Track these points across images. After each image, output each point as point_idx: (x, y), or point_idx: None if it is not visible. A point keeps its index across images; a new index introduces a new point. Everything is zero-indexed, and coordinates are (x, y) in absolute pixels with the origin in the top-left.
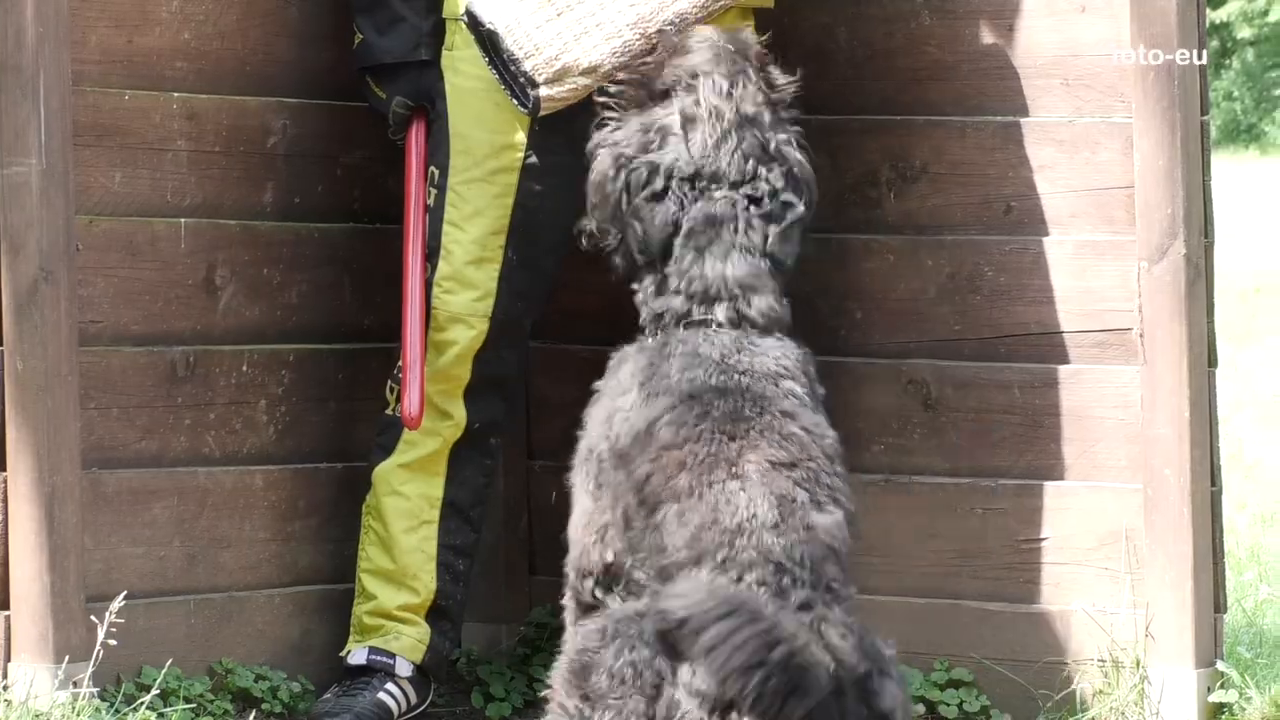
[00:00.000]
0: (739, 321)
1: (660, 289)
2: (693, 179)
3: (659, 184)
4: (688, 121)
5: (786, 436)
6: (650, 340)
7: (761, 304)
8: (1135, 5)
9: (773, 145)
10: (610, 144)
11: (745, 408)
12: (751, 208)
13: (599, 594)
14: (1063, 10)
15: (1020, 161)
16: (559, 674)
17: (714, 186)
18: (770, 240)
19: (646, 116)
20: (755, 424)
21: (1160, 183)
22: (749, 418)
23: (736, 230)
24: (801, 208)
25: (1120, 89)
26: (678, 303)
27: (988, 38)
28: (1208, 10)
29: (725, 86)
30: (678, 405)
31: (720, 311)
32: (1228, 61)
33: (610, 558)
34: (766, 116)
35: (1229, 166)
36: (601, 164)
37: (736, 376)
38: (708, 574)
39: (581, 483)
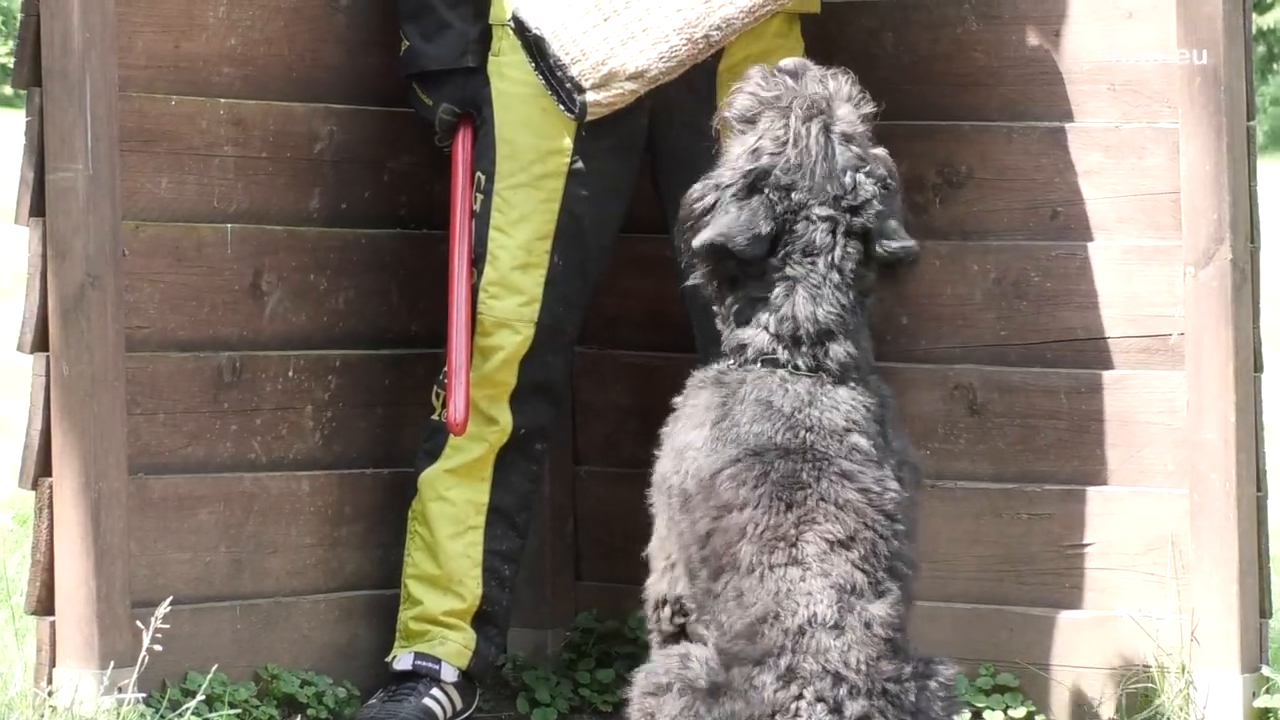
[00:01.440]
0: (817, 368)
1: (743, 317)
2: (788, 190)
3: (760, 192)
4: (779, 145)
5: (842, 505)
6: (730, 374)
7: (840, 352)
8: (1181, 9)
9: (866, 157)
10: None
11: (804, 472)
12: (850, 219)
13: (678, 622)
14: (1109, 15)
15: (1066, 167)
16: (634, 706)
17: (812, 203)
18: (869, 266)
19: (739, 144)
20: (812, 491)
21: (1206, 188)
22: (806, 484)
23: (832, 264)
24: (913, 244)
25: (1167, 94)
26: (763, 340)
27: (1034, 43)
28: (1254, 16)
29: (821, 104)
30: (741, 459)
31: (801, 357)
32: (1275, 66)
33: (679, 592)
34: (859, 131)
35: (1276, 172)
36: (695, 191)
37: (803, 434)
38: (770, 681)
39: (661, 508)
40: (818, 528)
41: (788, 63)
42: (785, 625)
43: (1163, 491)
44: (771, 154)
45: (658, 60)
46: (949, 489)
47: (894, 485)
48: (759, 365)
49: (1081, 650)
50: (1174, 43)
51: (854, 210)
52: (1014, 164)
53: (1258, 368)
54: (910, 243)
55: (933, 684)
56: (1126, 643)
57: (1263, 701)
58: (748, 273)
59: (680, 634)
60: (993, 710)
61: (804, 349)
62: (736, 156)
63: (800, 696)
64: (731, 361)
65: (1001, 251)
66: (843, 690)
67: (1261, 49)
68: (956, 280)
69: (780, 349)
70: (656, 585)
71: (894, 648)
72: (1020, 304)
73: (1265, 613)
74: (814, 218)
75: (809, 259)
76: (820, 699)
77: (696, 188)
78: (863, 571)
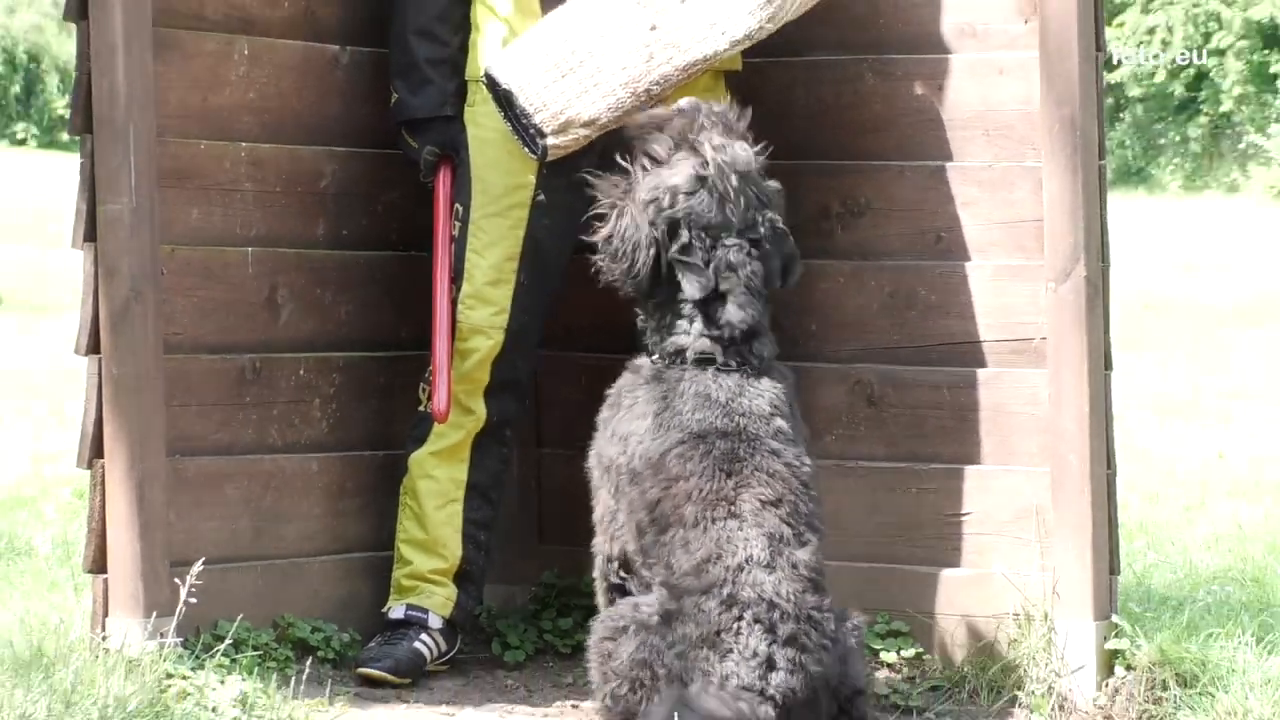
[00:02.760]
0: (743, 364)
1: (674, 326)
2: (707, 228)
3: (684, 235)
4: (699, 180)
5: (772, 474)
6: (667, 372)
7: (761, 349)
8: (1044, 68)
9: (766, 196)
10: (630, 202)
11: (740, 449)
12: (753, 250)
13: (622, 575)
14: (983, 72)
15: (948, 199)
16: (593, 649)
17: (725, 235)
18: (770, 279)
19: (656, 178)
20: (748, 463)
21: (1065, 216)
22: (743, 458)
23: (750, 275)
24: (795, 251)
25: (1031, 138)
26: (704, 343)
27: (921, 95)
28: (1105, 73)
29: (722, 145)
30: (686, 441)
31: (732, 356)
32: (1121, 115)
33: (627, 550)
34: (756, 171)
35: (1122, 203)
36: (625, 219)
37: (737, 419)
38: (715, 605)
39: (601, 482)
40: (752, 490)
41: (683, 102)
42: (727, 563)
43: (1028, 470)
44: (687, 193)
45: (606, 110)
46: (851, 468)
47: (808, 460)
48: (692, 364)
49: (961, 602)
50: (1038, 96)
51: (755, 241)
52: (905, 196)
53: (1107, 366)
54: (796, 262)
55: (848, 624)
56: (999, 595)
57: (1112, 644)
58: (678, 290)
59: (622, 587)
60: (888, 651)
61: (732, 349)
62: (652, 192)
63: (740, 618)
64: (665, 361)
65: (894, 270)
66: (775, 614)
67: (1110, 100)
68: (857, 294)
69: (715, 348)
70: (603, 545)
71: (815, 586)
72: (910, 313)
73: (1114, 570)
74: (729, 243)
75: (730, 273)
76: (757, 620)
77: (608, 229)
78: (788, 525)
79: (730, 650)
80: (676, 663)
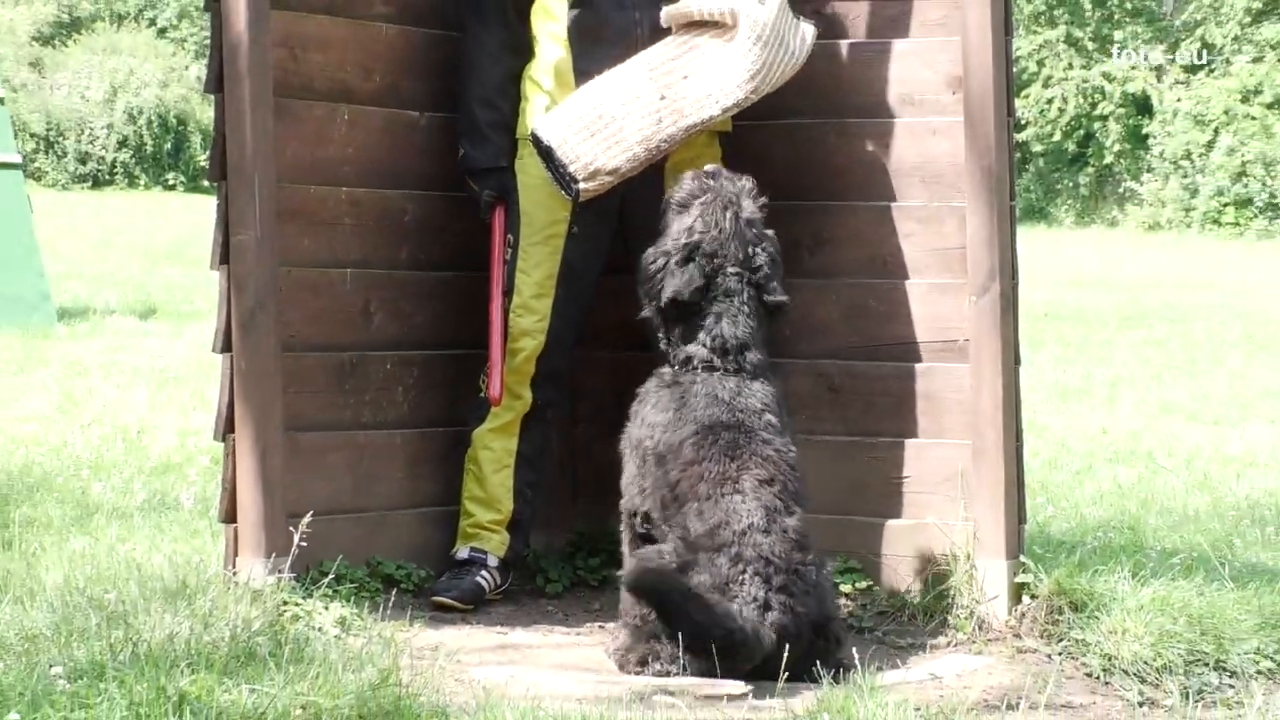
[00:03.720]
0: (739, 370)
1: (687, 339)
2: (712, 256)
3: (694, 260)
4: (709, 224)
5: (766, 459)
6: (682, 377)
7: (754, 357)
8: (968, 130)
9: (762, 238)
10: (657, 246)
11: (741, 439)
12: (749, 277)
13: (644, 528)
14: (921, 133)
15: (893, 232)
16: (625, 591)
17: (728, 264)
18: (763, 304)
19: (679, 221)
20: (746, 450)
21: (983, 245)
22: (743, 445)
23: (744, 301)
24: (785, 299)
25: (958, 184)
26: (703, 352)
27: (871, 150)
28: (1014, 133)
29: (732, 199)
30: (699, 432)
31: (729, 363)
32: (1027, 166)
33: (649, 510)
34: (757, 217)
35: (1027, 235)
36: (649, 255)
37: (737, 414)
38: (725, 561)
39: (630, 457)
40: (752, 472)
41: (709, 168)
42: (733, 529)
43: (955, 442)
44: (701, 231)
45: (626, 162)
46: (817, 441)
47: (793, 448)
48: (701, 370)
49: (903, 545)
50: (963, 151)
51: (753, 269)
52: (859, 230)
53: (1017, 361)
54: (784, 298)
55: (825, 571)
56: (932, 541)
57: (1020, 578)
58: (688, 310)
59: (644, 536)
60: (845, 584)
61: (730, 357)
62: (679, 231)
63: (744, 572)
64: (680, 368)
65: (851, 287)
66: (770, 569)
67: (1019, 154)
68: (822, 306)
69: (716, 358)
70: (629, 503)
71: (801, 546)
72: (863, 321)
73: (1022, 520)
74: (729, 273)
75: (728, 299)
76: (757, 574)
77: (650, 253)
78: (780, 500)
79: (736, 596)
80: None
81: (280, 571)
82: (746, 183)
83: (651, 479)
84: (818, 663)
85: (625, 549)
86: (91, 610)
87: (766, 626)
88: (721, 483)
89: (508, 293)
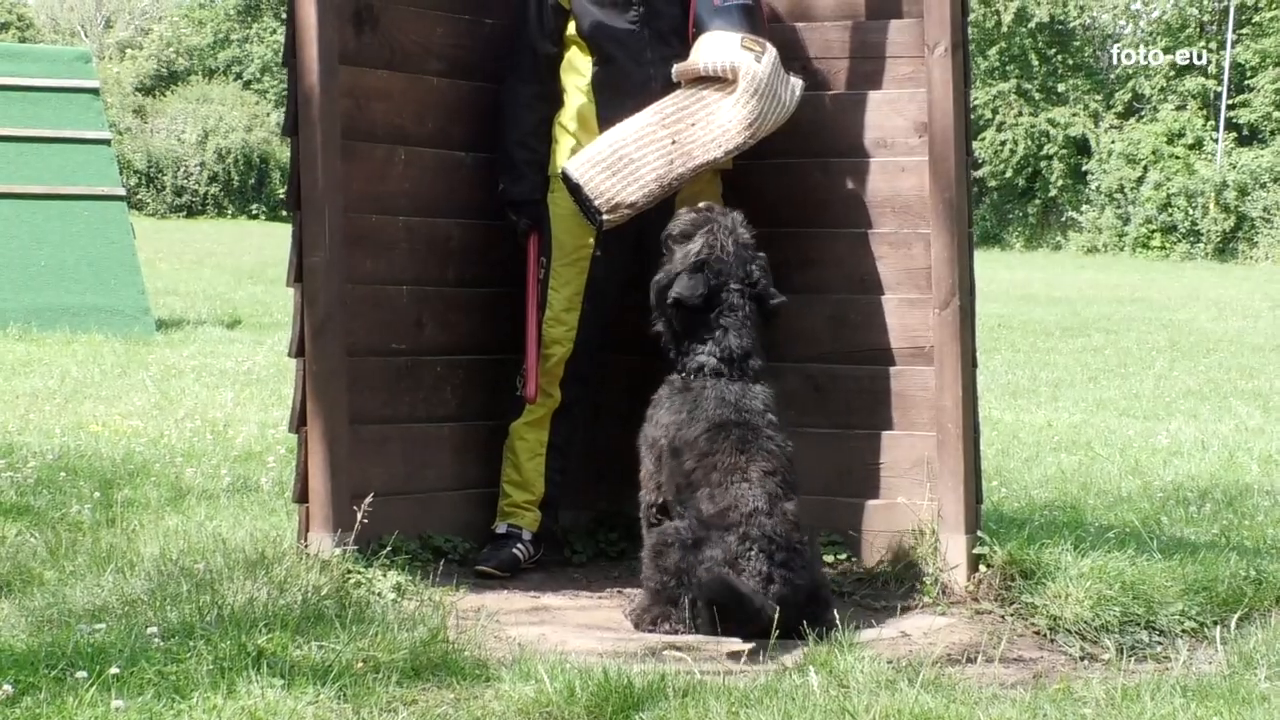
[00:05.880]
0: (743, 375)
1: (697, 349)
2: (717, 273)
3: (701, 272)
4: (713, 246)
5: (769, 453)
6: (693, 383)
7: (755, 364)
8: (932, 167)
9: (756, 259)
10: (665, 268)
11: (747, 435)
12: (749, 291)
13: (659, 517)
14: (892, 170)
15: (868, 254)
16: (648, 551)
17: (731, 281)
18: (762, 313)
19: (684, 249)
20: (753, 444)
21: (945, 266)
22: (749, 440)
23: (746, 314)
24: (784, 298)
25: (924, 214)
26: (712, 361)
27: (850, 186)
28: (972, 170)
29: (730, 227)
30: (710, 429)
31: (734, 370)
32: (983, 198)
33: (660, 501)
34: (751, 241)
35: (983, 257)
36: (660, 278)
37: (744, 414)
38: (734, 539)
39: (647, 454)
40: (758, 464)
41: (702, 204)
42: (741, 511)
43: (922, 434)
44: (707, 252)
45: (642, 197)
46: (804, 433)
47: (790, 443)
48: (710, 376)
49: (877, 522)
50: (928, 186)
51: (752, 285)
52: (840, 253)
53: (974, 365)
54: (784, 299)
55: (816, 546)
56: (902, 518)
57: (977, 550)
58: (696, 323)
59: (658, 524)
60: (828, 555)
61: (735, 365)
62: (685, 254)
63: (750, 549)
64: (690, 375)
65: (833, 301)
66: (773, 547)
67: (976, 188)
68: (808, 317)
69: (723, 365)
70: (647, 497)
71: (798, 526)
72: (844, 330)
73: (979, 500)
74: (732, 289)
75: (732, 313)
76: (761, 550)
77: (660, 276)
78: (780, 487)
79: (744, 570)
80: (705, 574)
81: (345, 544)
82: (738, 214)
83: (667, 470)
84: (804, 623)
85: (644, 530)
86: (183, 578)
87: (770, 600)
88: (732, 472)
89: (541, 307)
